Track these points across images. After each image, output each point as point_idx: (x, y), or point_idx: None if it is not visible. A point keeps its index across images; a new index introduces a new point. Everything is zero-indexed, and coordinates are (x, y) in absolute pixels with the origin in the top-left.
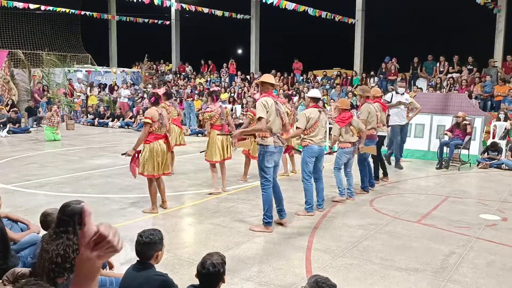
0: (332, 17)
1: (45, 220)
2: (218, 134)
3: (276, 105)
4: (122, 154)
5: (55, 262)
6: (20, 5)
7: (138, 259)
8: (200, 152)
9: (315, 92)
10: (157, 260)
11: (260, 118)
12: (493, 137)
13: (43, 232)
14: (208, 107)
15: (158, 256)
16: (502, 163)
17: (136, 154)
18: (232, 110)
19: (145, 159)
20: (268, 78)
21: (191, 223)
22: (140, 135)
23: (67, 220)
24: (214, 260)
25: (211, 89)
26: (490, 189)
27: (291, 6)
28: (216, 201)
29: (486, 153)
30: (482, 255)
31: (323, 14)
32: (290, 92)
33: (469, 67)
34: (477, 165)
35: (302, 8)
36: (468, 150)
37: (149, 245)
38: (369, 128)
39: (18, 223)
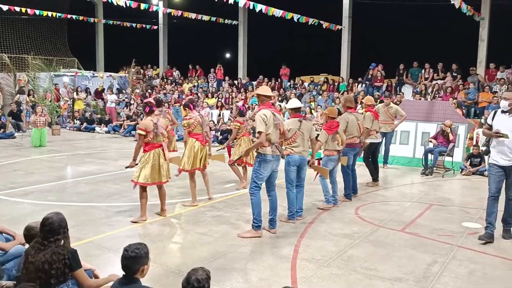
0: (320, 24)
1: (28, 234)
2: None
3: (274, 116)
4: (126, 167)
5: (42, 269)
6: (5, 7)
7: (124, 273)
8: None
9: (294, 102)
10: (143, 274)
11: (260, 132)
12: (476, 143)
13: (27, 246)
14: (187, 115)
15: (144, 270)
16: (485, 170)
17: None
18: (219, 115)
19: (142, 168)
20: (264, 90)
21: (178, 232)
22: (135, 146)
23: (57, 229)
24: (198, 276)
25: (185, 100)
26: (472, 197)
27: (279, 13)
28: (203, 210)
29: (468, 161)
30: (463, 264)
31: (311, 21)
32: (273, 102)
33: (453, 74)
34: (461, 172)
35: (290, 15)
36: (452, 157)
37: (134, 259)
38: (350, 137)
39: (3, 234)
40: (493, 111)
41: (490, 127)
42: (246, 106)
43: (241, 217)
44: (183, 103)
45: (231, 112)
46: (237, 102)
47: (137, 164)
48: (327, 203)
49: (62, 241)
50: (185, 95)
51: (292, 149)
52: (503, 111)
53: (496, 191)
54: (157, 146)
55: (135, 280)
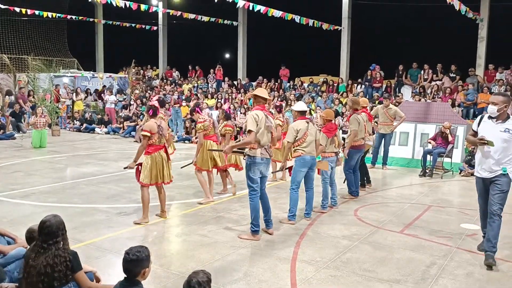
0: (319, 25)
1: (30, 236)
2: (209, 150)
3: (267, 118)
4: (124, 168)
5: (44, 273)
6: (4, 7)
7: (125, 276)
8: (181, 167)
9: (301, 105)
10: (144, 276)
11: (250, 131)
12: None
13: None
14: (199, 118)
15: (145, 273)
16: None
17: (139, 167)
18: (219, 116)
19: (147, 169)
20: (261, 92)
21: (179, 234)
22: (139, 147)
23: (55, 231)
24: (199, 279)
25: (191, 105)
26: (471, 198)
27: (278, 14)
28: (203, 211)
29: (467, 162)
30: (461, 265)
31: (310, 22)
32: (279, 104)
33: (452, 75)
34: (459, 173)
35: (289, 16)
36: (451, 158)
37: (136, 262)
38: (358, 138)
39: (5, 237)
40: (479, 117)
41: (475, 134)
42: (245, 107)
43: (241, 219)
44: (192, 107)
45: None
46: (223, 104)
47: (137, 165)
48: (322, 208)
49: (61, 243)
50: (184, 95)
51: (304, 150)
52: (490, 117)
53: (485, 204)
54: (160, 148)
55: (136, 282)
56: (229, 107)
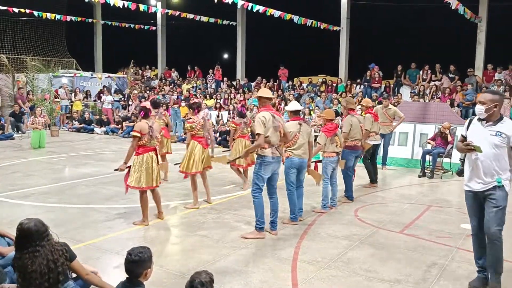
0: (318, 25)
1: None
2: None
3: (274, 118)
4: (115, 170)
5: (48, 271)
6: (3, 8)
7: (127, 276)
8: (175, 164)
9: (294, 105)
10: (146, 277)
11: (258, 134)
12: None
13: None
14: (190, 118)
15: (147, 274)
16: None
17: (129, 169)
18: (218, 116)
19: (135, 172)
20: (265, 92)
21: (179, 235)
22: (129, 148)
23: (44, 230)
24: (202, 279)
25: (192, 101)
26: None
27: (277, 14)
28: (203, 212)
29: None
30: (462, 266)
31: (309, 22)
32: (276, 102)
33: (451, 75)
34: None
35: (288, 16)
36: (450, 158)
37: (138, 263)
38: (353, 139)
39: (5, 238)
40: (468, 120)
41: (464, 139)
42: (245, 107)
43: (241, 219)
44: (191, 102)
45: (229, 113)
46: (236, 103)
47: (128, 167)
48: (323, 208)
49: (51, 238)
50: (183, 96)
51: (292, 152)
52: (479, 119)
53: (479, 226)
54: (150, 149)
55: (138, 283)
56: (242, 106)
